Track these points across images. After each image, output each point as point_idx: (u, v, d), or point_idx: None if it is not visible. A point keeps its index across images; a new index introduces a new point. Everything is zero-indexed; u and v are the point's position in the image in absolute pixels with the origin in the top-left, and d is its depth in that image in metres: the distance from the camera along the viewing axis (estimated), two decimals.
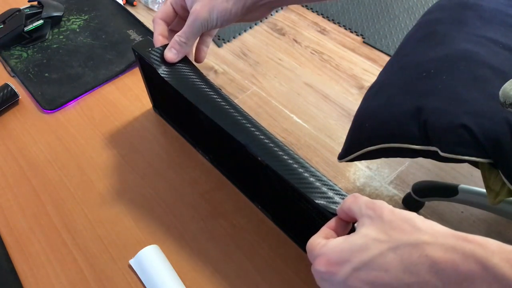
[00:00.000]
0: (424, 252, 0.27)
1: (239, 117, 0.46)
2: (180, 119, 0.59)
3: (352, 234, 0.31)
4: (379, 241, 0.29)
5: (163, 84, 0.52)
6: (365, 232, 0.30)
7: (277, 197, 0.47)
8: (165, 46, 0.51)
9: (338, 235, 0.34)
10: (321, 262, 0.31)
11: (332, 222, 0.35)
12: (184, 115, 0.56)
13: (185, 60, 0.52)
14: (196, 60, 0.54)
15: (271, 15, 1.95)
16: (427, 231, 0.28)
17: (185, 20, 0.49)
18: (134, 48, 0.53)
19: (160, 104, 0.62)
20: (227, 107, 0.47)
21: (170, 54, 0.50)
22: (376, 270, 0.29)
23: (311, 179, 0.40)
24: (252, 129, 0.45)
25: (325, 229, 0.34)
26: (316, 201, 0.38)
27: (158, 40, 0.51)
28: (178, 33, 0.50)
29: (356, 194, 0.34)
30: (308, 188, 0.39)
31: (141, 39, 0.55)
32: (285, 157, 0.42)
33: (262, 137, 0.44)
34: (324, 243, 0.32)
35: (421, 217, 0.30)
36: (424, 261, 0.27)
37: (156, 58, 0.52)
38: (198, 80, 0.50)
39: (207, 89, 0.49)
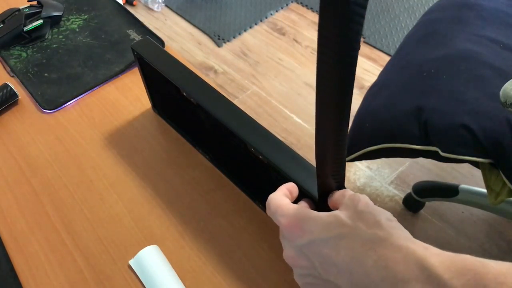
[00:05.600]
0: (374, 247, 0.29)
1: (240, 115, 0.46)
2: (180, 118, 0.59)
3: (328, 213, 0.33)
4: (343, 225, 0.31)
5: (163, 83, 0.52)
6: (336, 214, 0.32)
7: None
8: (161, 44, 0.51)
9: (292, 197, 0.38)
10: (291, 222, 0.33)
11: (289, 185, 0.38)
12: (184, 114, 0.56)
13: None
14: None
15: (271, 14, 1.95)
16: (386, 229, 0.30)
17: None
18: (133, 48, 0.53)
19: (159, 103, 0.62)
20: (228, 104, 0.47)
21: None
22: (329, 248, 0.31)
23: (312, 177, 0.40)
24: (254, 127, 0.45)
25: (284, 189, 0.37)
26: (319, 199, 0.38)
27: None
28: None
29: (347, 190, 0.36)
30: (310, 186, 0.39)
31: (140, 38, 0.55)
32: (286, 156, 0.42)
33: (263, 135, 0.44)
34: (296, 207, 0.34)
35: (389, 218, 0.31)
36: (371, 255, 0.29)
37: (155, 57, 0.52)
38: (198, 78, 0.50)
39: (208, 87, 0.49)
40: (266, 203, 0.36)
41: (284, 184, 0.38)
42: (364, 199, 0.33)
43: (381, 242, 0.29)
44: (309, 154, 1.40)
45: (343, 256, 0.30)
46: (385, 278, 0.28)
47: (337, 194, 0.36)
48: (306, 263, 0.33)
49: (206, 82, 0.50)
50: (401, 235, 0.29)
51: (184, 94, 0.50)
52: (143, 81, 0.59)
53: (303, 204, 0.37)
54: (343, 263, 0.30)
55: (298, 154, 0.43)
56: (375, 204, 0.33)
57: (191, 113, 0.53)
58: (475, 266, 0.26)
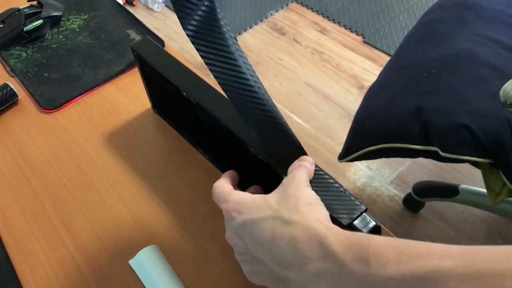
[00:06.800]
0: (288, 228, 0.33)
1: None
2: (179, 118, 0.59)
3: (261, 195, 0.37)
4: (270, 208, 0.35)
5: (163, 82, 0.52)
6: (267, 197, 0.36)
7: None
8: (161, 43, 0.51)
9: (234, 183, 0.43)
10: (229, 206, 0.37)
11: (231, 173, 0.44)
12: (184, 114, 0.56)
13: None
14: None
15: (271, 14, 1.95)
16: (301, 213, 0.33)
17: None
18: (133, 48, 0.53)
19: (159, 103, 0.62)
20: (228, 104, 0.47)
21: None
22: (257, 229, 0.34)
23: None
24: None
25: (227, 177, 0.43)
26: (326, 202, 0.38)
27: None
28: None
29: (303, 164, 0.39)
30: (316, 190, 0.39)
31: (140, 38, 0.55)
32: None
33: None
34: (237, 193, 0.39)
35: (310, 202, 0.34)
36: (286, 236, 0.32)
37: (155, 57, 0.52)
38: (198, 78, 0.50)
39: (208, 87, 0.49)
40: (212, 190, 0.41)
41: (226, 172, 0.43)
42: (296, 181, 0.36)
43: (294, 224, 0.32)
44: (309, 154, 1.40)
45: (266, 236, 0.34)
46: (295, 257, 0.32)
47: (295, 166, 0.39)
48: (240, 242, 0.37)
49: (206, 82, 0.50)
50: (312, 217, 0.33)
51: (184, 94, 0.50)
52: (143, 81, 0.59)
53: (250, 190, 0.41)
54: (266, 243, 0.34)
55: None
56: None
57: (191, 113, 0.53)
58: (363, 240, 0.29)
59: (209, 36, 0.37)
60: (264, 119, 0.39)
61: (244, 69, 0.38)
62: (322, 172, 0.40)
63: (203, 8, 0.36)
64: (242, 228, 0.36)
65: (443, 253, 0.26)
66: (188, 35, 0.37)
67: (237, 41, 0.38)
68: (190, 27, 0.37)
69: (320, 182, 0.39)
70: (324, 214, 0.34)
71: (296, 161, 0.40)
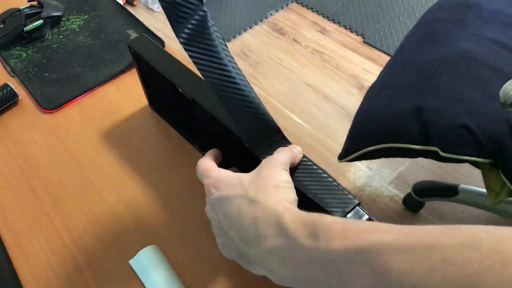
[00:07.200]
0: (252, 208, 0.34)
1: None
2: (176, 115, 0.59)
3: (240, 174, 0.39)
4: (242, 187, 0.37)
5: (159, 79, 0.52)
6: (243, 176, 0.38)
7: None
8: (161, 44, 0.51)
9: (217, 161, 0.45)
10: (209, 182, 0.39)
11: (215, 151, 0.46)
12: (180, 110, 0.56)
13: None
14: None
15: (271, 14, 1.95)
16: (266, 194, 0.35)
17: None
18: (129, 45, 0.53)
19: (156, 100, 0.62)
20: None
21: None
22: (228, 206, 0.36)
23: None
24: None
25: (210, 155, 0.45)
26: (319, 196, 0.38)
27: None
28: None
29: (288, 148, 0.41)
30: (309, 183, 0.40)
31: (137, 36, 0.55)
32: None
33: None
34: (218, 170, 0.41)
35: (277, 185, 0.36)
36: (249, 215, 0.34)
37: (152, 54, 0.52)
38: (194, 74, 0.50)
39: (204, 82, 0.49)
40: (196, 166, 0.43)
41: (210, 150, 0.46)
42: (273, 163, 0.38)
43: (258, 204, 0.34)
44: (309, 154, 1.40)
45: (234, 213, 0.36)
46: (254, 234, 0.34)
47: (279, 149, 0.41)
48: (215, 216, 0.39)
49: (202, 79, 0.50)
50: (275, 198, 0.34)
51: (180, 90, 0.50)
52: (140, 78, 0.59)
53: (232, 169, 0.43)
54: (233, 219, 0.36)
55: None
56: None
57: (187, 109, 0.53)
58: (315, 219, 0.31)
59: (201, 43, 0.40)
60: (239, 102, 0.41)
61: (230, 68, 0.41)
62: (316, 167, 0.41)
63: (197, 17, 0.39)
64: (217, 203, 0.38)
65: (385, 230, 0.28)
66: (181, 42, 0.40)
67: (227, 47, 0.41)
68: (183, 35, 0.40)
69: (311, 175, 0.40)
70: (288, 197, 0.35)
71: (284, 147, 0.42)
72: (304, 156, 0.42)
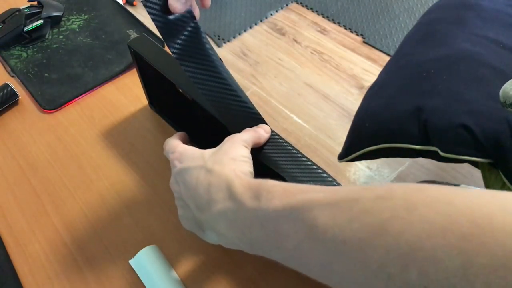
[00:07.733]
0: (208, 176, 0.37)
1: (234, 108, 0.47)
2: (176, 115, 0.59)
3: (204, 150, 0.41)
4: (202, 159, 0.39)
5: (159, 79, 0.52)
6: (205, 151, 0.40)
7: None
8: (161, 44, 0.52)
9: (184, 142, 0.47)
10: (174, 156, 0.42)
11: (181, 133, 0.49)
12: (180, 110, 0.56)
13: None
14: (203, 5, 0.49)
15: (271, 14, 1.95)
16: (222, 164, 0.37)
17: None
18: (129, 45, 0.53)
19: (156, 100, 0.62)
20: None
21: (177, 4, 0.43)
22: (188, 176, 0.39)
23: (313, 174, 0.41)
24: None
25: (178, 136, 0.48)
26: (282, 166, 0.40)
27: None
28: None
29: (254, 128, 0.43)
30: (310, 183, 0.40)
31: (137, 36, 0.55)
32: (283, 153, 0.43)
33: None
34: (183, 146, 0.43)
35: (235, 158, 0.38)
36: (205, 182, 0.37)
37: (151, 53, 0.52)
38: None
39: None
40: (163, 145, 0.46)
41: (178, 133, 0.49)
42: (236, 138, 0.40)
43: (213, 173, 0.37)
44: (309, 154, 1.40)
45: (192, 182, 0.38)
46: (207, 200, 0.36)
47: (248, 129, 0.43)
48: (177, 188, 0.41)
49: None
50: (230, 168, 0.37)
51: (180, 90, 0.50)
52: (139, 78, 0.59)
53: (179, 138, 0.47)
54: (191, 188, 0.38)
55: (297, 150, 0.43)
56: None
57: (187, 109, 0.53)
58: (260, 183, 0.34)
59: (194, 53, 0.43)
60: (223, 91, 0.44)
61: (220, 69, 0.43)
62: (285, 143, 0.43)
63: (189, 28, 0.42)
64: (179, 175, 0.40)
65: (318, 189, 0.31)
66: (173, 53, 0.42)
67: (215, 52, 0.45)
68: (176, 46, 0.42)
69: (279, 149, 0.43)
70: (242, 168, 0.38)
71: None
72: (276, 134, 0.45)
